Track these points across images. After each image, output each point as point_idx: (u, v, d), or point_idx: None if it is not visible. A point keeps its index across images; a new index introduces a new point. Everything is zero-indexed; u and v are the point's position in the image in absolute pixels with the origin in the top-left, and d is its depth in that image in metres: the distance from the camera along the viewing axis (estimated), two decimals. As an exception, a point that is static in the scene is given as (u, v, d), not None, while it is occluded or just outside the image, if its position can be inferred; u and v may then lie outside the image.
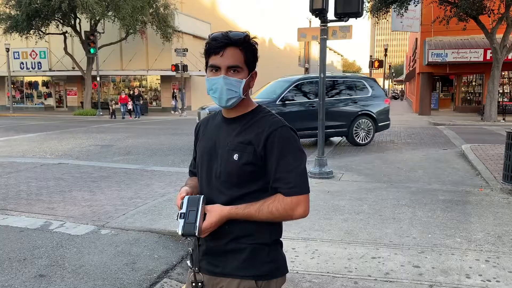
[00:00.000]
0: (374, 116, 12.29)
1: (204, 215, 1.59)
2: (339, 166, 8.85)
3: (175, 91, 30.72)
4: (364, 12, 19.89)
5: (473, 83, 28.18)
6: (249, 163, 1.60)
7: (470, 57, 23.07)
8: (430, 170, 8.53)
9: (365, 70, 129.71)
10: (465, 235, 4.71)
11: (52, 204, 6.25)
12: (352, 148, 11.78)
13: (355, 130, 12.09)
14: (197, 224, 1.55)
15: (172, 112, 29.53)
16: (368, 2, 20.44)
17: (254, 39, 1.65)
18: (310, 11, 7.05)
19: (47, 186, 7.39)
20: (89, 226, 5.25)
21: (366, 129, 12.20)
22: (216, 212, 1.59)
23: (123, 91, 29.32)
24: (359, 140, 12.11)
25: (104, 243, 4.72)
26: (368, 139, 12.26)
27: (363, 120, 12.15)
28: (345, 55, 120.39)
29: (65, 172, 8.56)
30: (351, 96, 12.23)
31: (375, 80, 13.37)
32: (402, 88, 75.92)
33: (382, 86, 29.06)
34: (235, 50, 1.57)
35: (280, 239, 1.75)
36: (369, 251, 4.24)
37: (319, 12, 7.07)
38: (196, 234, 1.55)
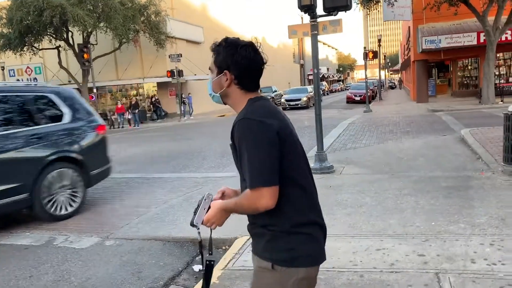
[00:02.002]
0: (81, 160, 6.59)
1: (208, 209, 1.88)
2: (339, 160, 8.85)
3: (183, 96, 30.56)
4: (355, 4, 19.90)
5: (469, 67, 28.14)
6: (236, 160, 1.78)
7: (464, 42, 23.03)
8: (431, 158, 8.53)
9: (360, 62, 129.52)
10: (468, 220, 4.70)
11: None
12: (352, 141, 11.76)
13: (47, 193, 6.04)
14: (195, 216, 1.87)
15: (184, 118, 29.06)
16: (358, -6, 20.41)
17: (231, 42, 1.81)
18: (298, 8, 7.05)
19: (49, 201, 7.38)
20: (94, 238, 5.26)
21: (69, 187, 6.36)
22: (215, 206, 1.84)
23: (119, 101, 29.33)
24: (58, 210, 6.16)
25: (109, 254, 4.73)
26: (75, 205, 6.39)
27: (60, 171, 6.28)
28: (340, 49, 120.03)
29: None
30: (29, 127, 6.12)
31: (74, 94, 7.22)
32: (399, 77, 75.91)
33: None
34: (213, 54, 1.85)
35: (313, 232, 1.80)
36: (374, 243, 4.24)
37: (307, 8, 7.07)
38: (193, 223, 1.88)
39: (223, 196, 1.94)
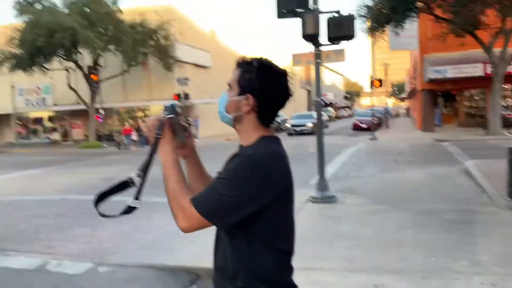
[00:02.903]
0: None
1: None
2: (342, 189, 8.73)
3: (190, 119, 30.80)
4: (361, 32, 20.11)
5: (476, 98, 28.10)
6: None
7: (471, 72, 23.06)
8: (434, 189, 8.41)
9: (367, 89, 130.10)
10: (470, 257, 4.58)
11: (52, 242, 6.19)
12: (356, 170, 11.66)
13: None
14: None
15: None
16: (365, 23, 20.63)
17: (265, 64, 1.57)
18: (302, 37, 7.10)
19: (47, 223, 7.33)
20: (87, 264, 5.17)
21: None
22: (165, 146, 1.61)
23: (126, 123, 29.53)
24: None
25: (102, 281, 4.65)
26: None
27: None
28: (347, 75, 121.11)
29: (67, 208, 8.51)
30: None
31: None
32: (407, 105, 76.01)
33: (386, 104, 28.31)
34: (237, 70, 1.58)
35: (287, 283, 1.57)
36: (371, 279, 4.12)
37: (311, 37, 7.12)
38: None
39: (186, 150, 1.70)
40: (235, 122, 1.59)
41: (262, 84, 1.53)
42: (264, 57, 1.60)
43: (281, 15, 7.44)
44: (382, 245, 5.15)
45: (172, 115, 1.58)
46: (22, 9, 25.56)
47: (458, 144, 17.00)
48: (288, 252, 1.58)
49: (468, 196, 7.66)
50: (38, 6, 26.04)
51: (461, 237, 5.30)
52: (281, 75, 1.57)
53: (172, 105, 1.61)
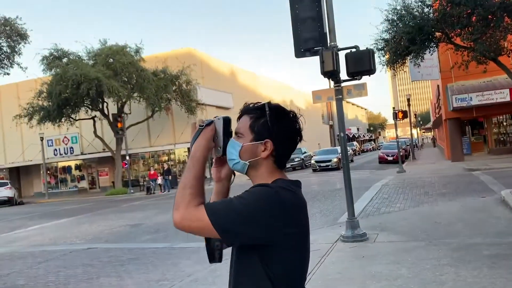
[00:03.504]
0: None
1: None
2: (373, 226, 8.45)
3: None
4: (381, 65, 20.07)
5: (504, 124, 27.42)
6: None
7: (496, 98, 22.59)
8: (470, 222, 8.03)
9: (390, 121, 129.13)
10: (518, 296, 4.26)
11: (79, 294, 6.10)
12: (386, 205, 11.32)
13: None
14: None
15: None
16: (383, 56, 20.63)
17: (276, 108, 1.58)
18: (322, 74, 7.07)
19: (75, 274, 7.27)
20: (115, 317, 5.03)
21: None
22: (206, 136, 1.58)
23: (152, 167, 29.86)
24: None
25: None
26: None
27: None
28: (369, 108, 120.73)
29: (94, 258, 8.46)
30: None
31: None
32: (433, 135, 74.78)
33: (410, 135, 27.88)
34: (246, 117, 1.58)
35: None
36: (412, 324, 3.85)
37: (331, 74, 7.09)
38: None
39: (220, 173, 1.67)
40: (250, 168, 1.57)
41: (279, 128, 1.53)
42: (269, 101, 1.61)
43: (299, 54, 7.47)
44: (420, 284, 4.87)
45: (222, 124, 1.59)
46: (49, 64, 26.66)
47: (490, 173, 16.43)
48: None
49: (507, 228, 7.27)
50: (64, 60, 27.13)
51: (505, 273, 4.97)
52: (293, 117, 1.59)
53: (226, 119, 1.62)
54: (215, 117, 1.62)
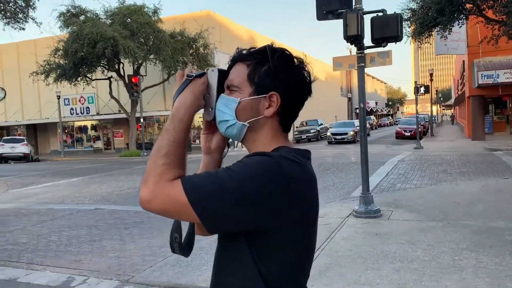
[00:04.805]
0: None
1: None
2: (387, 203, 8.10)
3: None
4: (406, 37, 19.21)
5: (530, 104, 26.44)
6: None
7: (525, 77, 21.66)
8: (492, 204, 7.62)
9: (410, 96, 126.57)
10: (545, 288, 3.91)
11: (80, 256, 5.93)
12: (401, 181, 10.93)
13: None
14: None
15: (228, 149, 29.31)
16: (409, 27, 19.74)
17: (281, 52, 1.20)
18: (344, 39, 6.58)
19: (78, 235, 7.12)
20: (113, 282, 4.84)
21: None
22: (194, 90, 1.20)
23: (166, 131, 29.83)
24: None
25: (125, 303, 4.29)
26: None
27: None
28: (389, 82, 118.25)
29: (99, 219, 8.31)
30: None
31: None
32: (452, 113, 73.19)
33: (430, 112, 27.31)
34: (241, 65, 1.20)
35: None
36: (427, 312, 3.55)
37: (354, 39, 6.59)
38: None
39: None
40: (249, 132, 1.18)
41: (287, 77, 1.17)
42: (272, 43, 1.22)
43: (321, 16, 6.96)
44: (437, 269, 4.54)
45: (218, 77, 1.21)
46: (65, 21, 26.27)
47: (513, 154, 15.84)
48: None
49: (532, 213, 6.86)
50: (81, 17, 26.70)
51: (530, 262, 4.60)
52: (303, 63, 1.22)
53: (223, 72, 1.23)
54: (207, 69, 1.23)
